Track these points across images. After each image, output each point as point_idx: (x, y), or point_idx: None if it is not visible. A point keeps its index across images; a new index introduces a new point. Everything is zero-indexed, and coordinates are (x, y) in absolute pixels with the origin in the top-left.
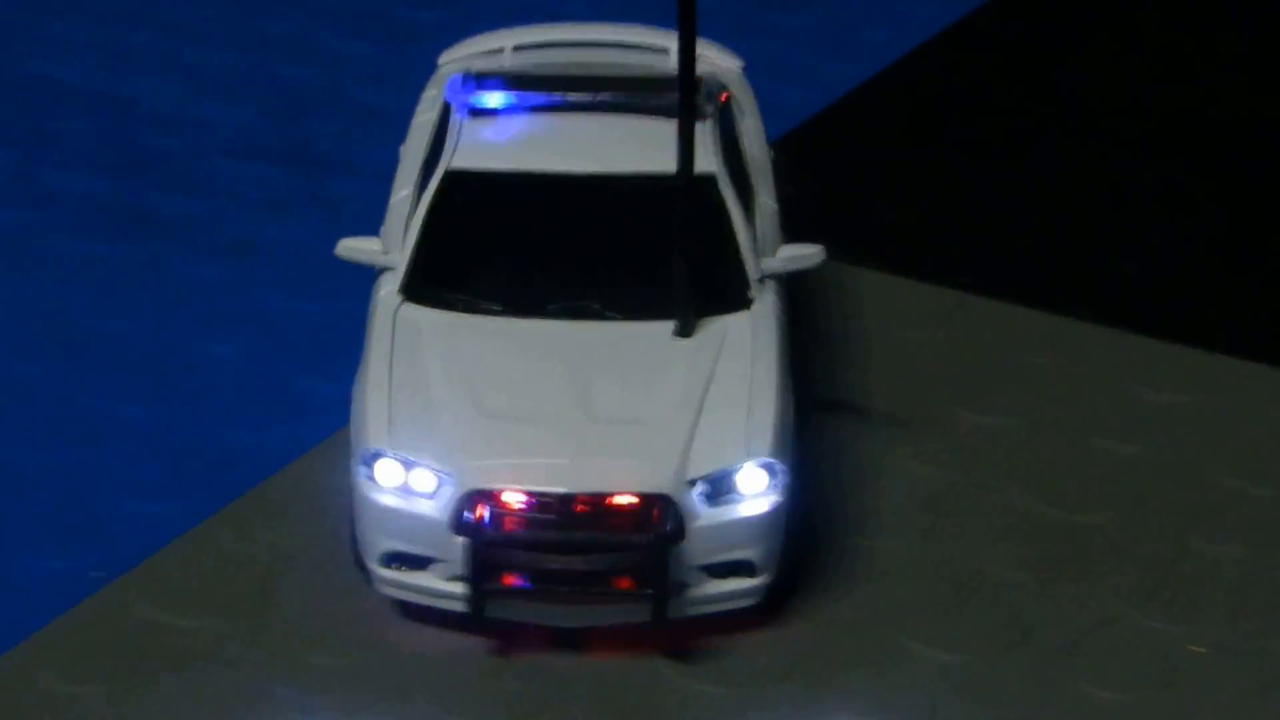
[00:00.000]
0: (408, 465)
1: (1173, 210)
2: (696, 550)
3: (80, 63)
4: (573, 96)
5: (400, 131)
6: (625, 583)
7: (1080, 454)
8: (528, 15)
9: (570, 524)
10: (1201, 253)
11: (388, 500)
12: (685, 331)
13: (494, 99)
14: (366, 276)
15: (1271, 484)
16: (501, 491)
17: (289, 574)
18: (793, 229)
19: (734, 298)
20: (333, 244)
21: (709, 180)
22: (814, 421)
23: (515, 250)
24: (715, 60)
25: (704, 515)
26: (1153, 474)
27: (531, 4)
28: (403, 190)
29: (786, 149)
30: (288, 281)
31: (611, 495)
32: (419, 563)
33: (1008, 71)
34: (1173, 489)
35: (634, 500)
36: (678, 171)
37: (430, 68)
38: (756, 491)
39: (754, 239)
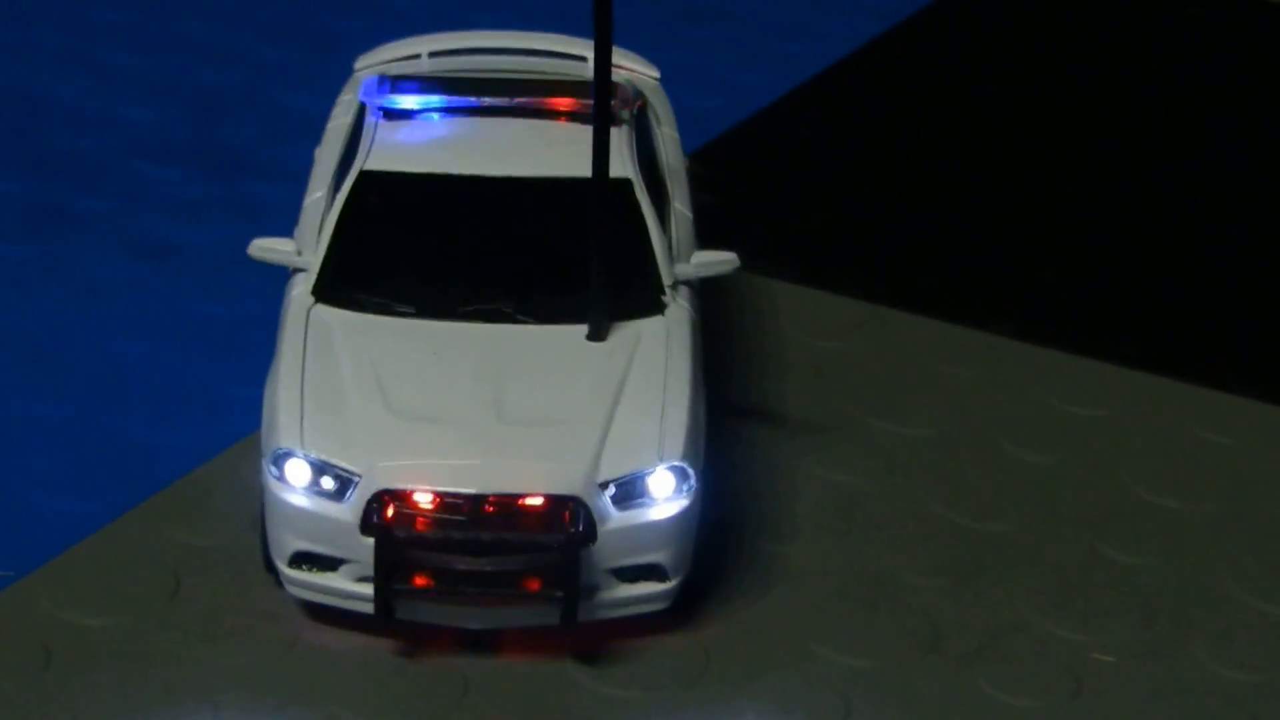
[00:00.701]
0: (318, 465)
1: (1090, 225)
2: (607, 553)
3: None
4: (488, 100)
5: (319, 136)
6: (535, 584)
7: (993, 464)
8: (443, 24)
9: (480, 525)
10: (1117, 268)
11: (297, 500)
12: (598, 335)
13: (409, 101)
14: (282, 278)
15: (1182, 496)
16: (411, 492)
17: (199, 574)
18: (709, 238)
19: (648, 302)
20: (249, 245)
21: (624, 184)
22: (729, 428)
23: (428, 252)
24: (632, 69)
25: (615, 518)
26: (1065, 484)
27: (449, 14)
28: (316, 191)
29: (704, 159)
30: (203, 283)
31: (522, 496)
32: (328, 563)
33: (926, 86)
34: (1085, 499)
35: (544, 502)
36: (592, 175)
37: (349, 73)
38: (667, 495)
39: (668, 244)
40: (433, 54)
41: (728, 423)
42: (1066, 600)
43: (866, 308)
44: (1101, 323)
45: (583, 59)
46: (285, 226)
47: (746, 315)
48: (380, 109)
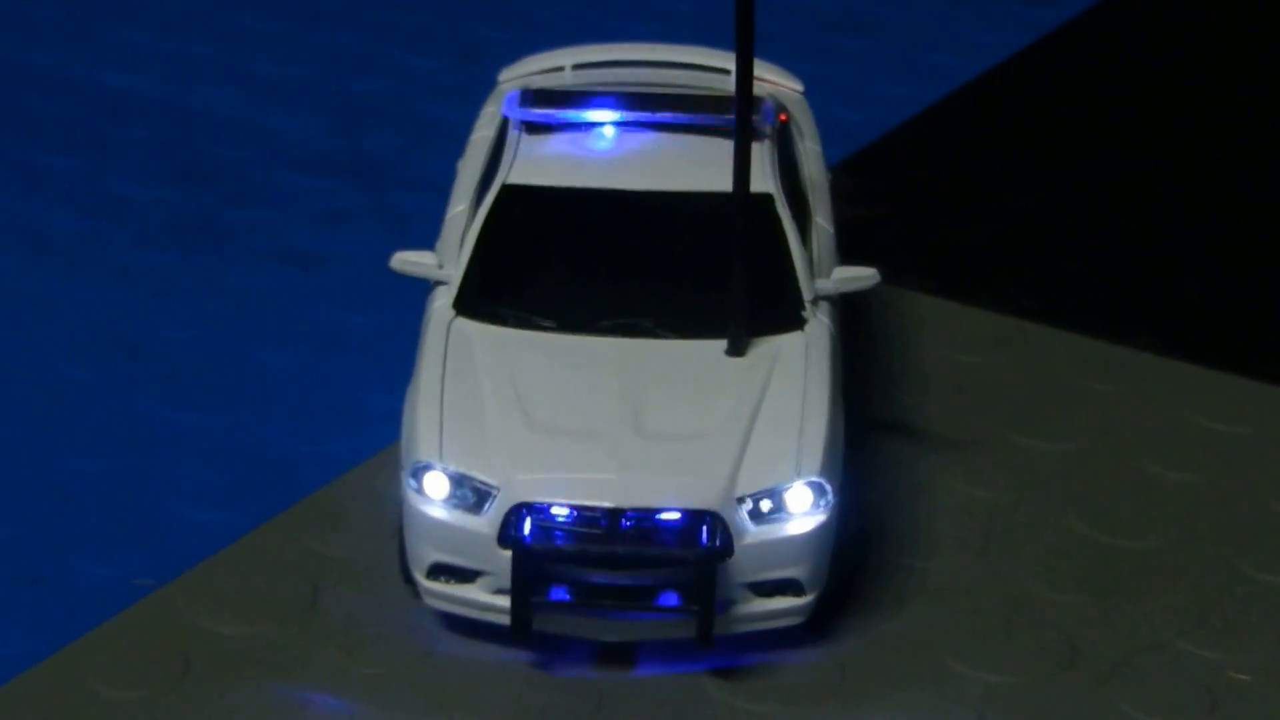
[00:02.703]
0: (456, 478)
1: (1237, 241)
2: (743, 568)
3: (148, 72)
4: (630, 114)
5: (463, 147)
6: (671, 598)
7: (1134, 480)
8: (590, 36)
9: (617, 539)
10: (1263, 285)
11: (436, 512)
12: (738, 350)
13: (551, 115)
14: (425, 289)
15: None
16: (549, 505)
17: (337, 584)
18: (853, 250)
19: (788, 317)
20: (390, 257)
21: (765, 199)
22: (870, 443)
23: (569, 266)
24: (775, 82)
25: (751, 533)
26: (1206, 501)
27: (594, 25)
28: (459, 205)
29: (849, 172)
30: (347, 293)
31: (659, 511)
32: (466, 575)
33: (1072, 98)
34: (1226, 517)
35: (681, 516)
36: (734, 189)
37: (494, 85)
38: (804, 510)
39: (809, 259)
40: (576, 66)
41: (867, 437)
42: (1204, 619)
43: (1009, 322)
44: (1247, 339)
45: (725, 72)
46: (429, 237)
47: (889, 328)
48: (523, 122)
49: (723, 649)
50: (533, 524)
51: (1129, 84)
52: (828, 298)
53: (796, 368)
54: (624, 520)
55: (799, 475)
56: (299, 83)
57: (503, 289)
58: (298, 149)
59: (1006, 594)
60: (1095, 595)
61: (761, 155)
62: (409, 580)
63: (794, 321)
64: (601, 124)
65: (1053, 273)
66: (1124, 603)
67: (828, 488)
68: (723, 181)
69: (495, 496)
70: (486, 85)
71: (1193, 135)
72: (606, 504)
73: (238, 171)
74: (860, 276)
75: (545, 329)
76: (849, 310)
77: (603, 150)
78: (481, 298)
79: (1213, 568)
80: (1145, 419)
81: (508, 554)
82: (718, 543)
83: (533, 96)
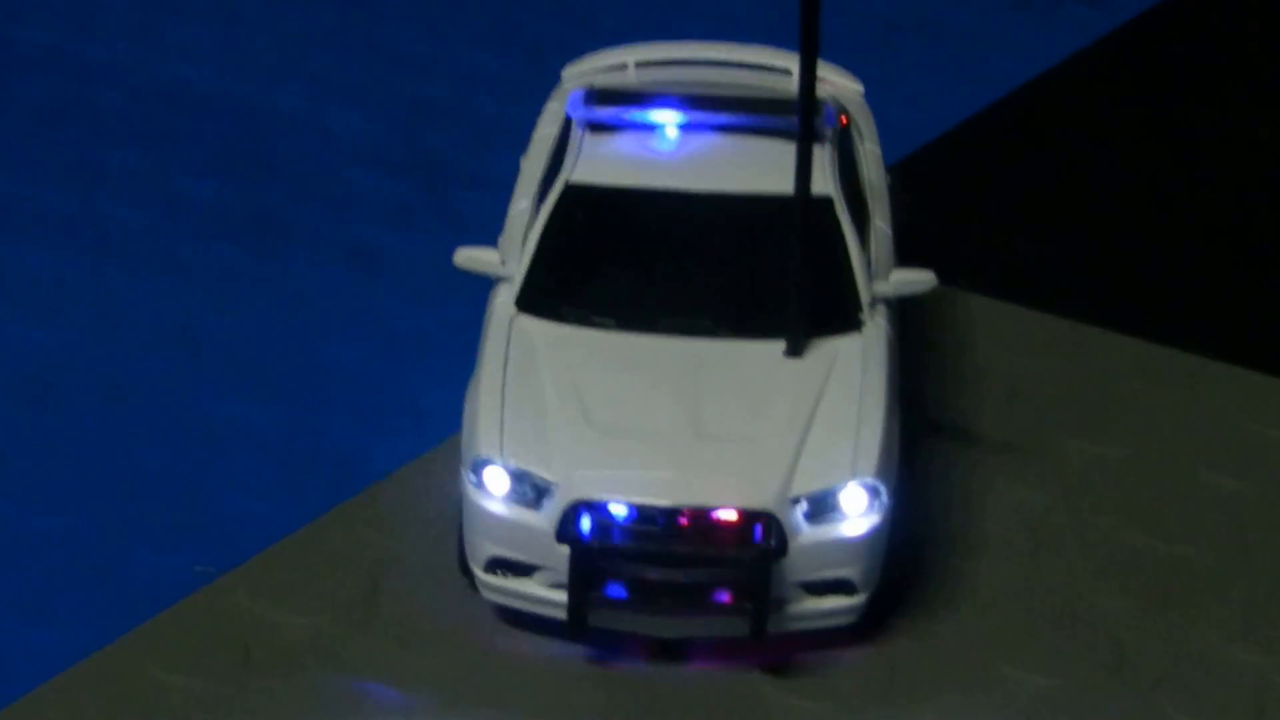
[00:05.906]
0: (516, 474)
1: None
2: (797, 567)
3: (212, 68)
4: (694, 115)
5: (525, 144)
6: (726, 596)
7: (1187, 487)
8: (652, 33)
9: (673, 537)
10: None
11: (495, 507)
12: (796, 351)
13: (614, 114)
14: (486, 286)
15: None
16: (607, 502)
17: (395, 576)
18: (910, 254)
19: (845, 320)
20: (454, 254)
21: (825, 202)
22: (924, 445)
23: (630, 266)
24: (836, 83)
25: (806, 533)
26: (1258, 509)
27: (656, 23)
28: (522, 202)
29: (906, 172)
30: (409, 289)
31: (715, 510)
32: (523, 570)
33: (1131, 103)
34: (1277, 525)
35: (737, 515)
36: (795, 193)
37: (557, 82)
38: (859, 512)
39: (867, 262)
40: (639, 64)
41: (925, 439)
42: (1253, 626)
43: (1064, 325)
44: None
45: (787, 72)
46: (490, 235)
47: (944, 330)
48: (587, 121)
49: (775, 647)
50: (591, 521)
51: (1191, 91)
52: (885, 300)
53: (853, 370)
54: (681, 518)
55: (854, 476)
56: (362, 80)
57: (564, 287)
58: (361, 146)
59: (1056, 598)
60: (1144, 601)
61: (822, 158)
62: (467, 574)
63: (852, 324)
64: (664, 125)
65: (1108, 276)
66: (1174, 609)
67: (882, 489)
68: (783, 184)
69: (554, 493)
70: (549, 83)
71: (1258, 142)
72: (664, 502)
73: (301, 168)
74: (917, 280)
75: (606, 327)
76: (905, 310)
77: (665, 151)
78: (543, 295)
79: (1262, 575)
80: (1199, 425)
81: (565, 550)
82: (773, 542)
83: (597, 96)
